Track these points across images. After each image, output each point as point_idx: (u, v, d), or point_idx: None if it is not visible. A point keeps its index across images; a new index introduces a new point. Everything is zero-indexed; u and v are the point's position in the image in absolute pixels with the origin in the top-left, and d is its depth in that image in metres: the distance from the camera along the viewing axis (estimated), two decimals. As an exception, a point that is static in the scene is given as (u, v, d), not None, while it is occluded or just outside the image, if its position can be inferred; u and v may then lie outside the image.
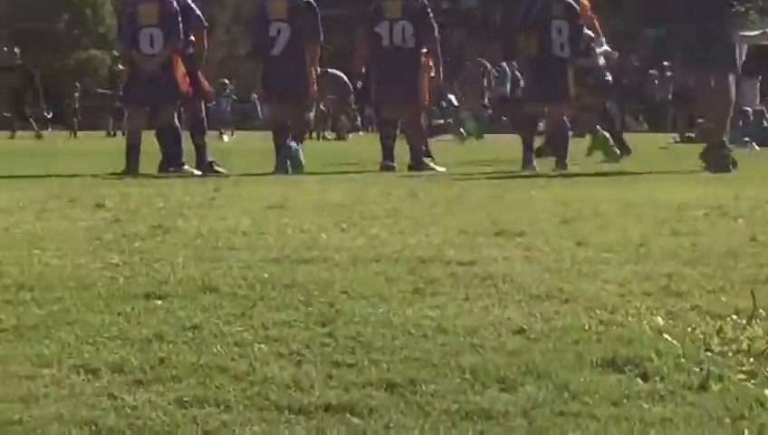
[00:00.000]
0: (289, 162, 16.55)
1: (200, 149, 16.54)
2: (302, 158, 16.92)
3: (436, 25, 18.35)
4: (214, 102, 28.91)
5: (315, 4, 17.66)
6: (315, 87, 17.89)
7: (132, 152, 16.36)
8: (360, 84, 22.18)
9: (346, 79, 38.43)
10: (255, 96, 36.02)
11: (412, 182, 13.97)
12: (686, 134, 39.05)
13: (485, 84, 42.77)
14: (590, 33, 19.83)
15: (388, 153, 17.75)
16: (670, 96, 45.92)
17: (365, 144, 31.77)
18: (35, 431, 3.93)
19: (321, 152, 18.90)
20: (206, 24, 17.61)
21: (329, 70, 34.90)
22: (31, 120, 44.63)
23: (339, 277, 6.27)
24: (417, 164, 17.71)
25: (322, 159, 18.62)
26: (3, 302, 5.61)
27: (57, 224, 8.71)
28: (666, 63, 49.11)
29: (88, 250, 7.23)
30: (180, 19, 16.20)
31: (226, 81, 54.74)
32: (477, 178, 15.13)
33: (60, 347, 4.90)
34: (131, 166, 16.19)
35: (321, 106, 18.83)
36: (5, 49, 44.54)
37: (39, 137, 39.10)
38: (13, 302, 5.63)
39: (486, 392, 4.37)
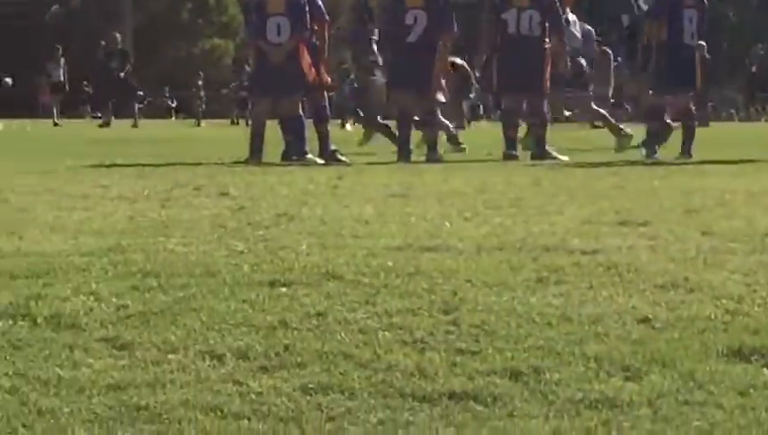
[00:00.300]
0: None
1: (323, 138, 16.51)
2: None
3: (562, 15, 18.22)
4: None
5: None
6: (442, 79, 17.77)
7: (256, 141, 16.39)
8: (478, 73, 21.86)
9: (468, 68, 38.13)
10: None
11: (535, 171, 13.92)
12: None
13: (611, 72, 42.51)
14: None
15: (510, 142, 17.66)
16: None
17: (485, 133, 31.71)
18: (162, 416, 3.97)
19: (443, 141, 18.81)
20: (327, 17, 17.56)
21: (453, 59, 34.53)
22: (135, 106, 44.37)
23: (462, 266, 6.26)
24: (539, 153, 17.64)
25: (444, 148, 18.55)
26: (129, 288, 5.67)
27: (182, 212, 8.76)
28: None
29: (213, 238, 7.28)
30: (307, 9, 16.18)
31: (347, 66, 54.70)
32: (599, 167, 15.03)
33: (186, 333, 4.95)
34: (255, 154, 16.23)
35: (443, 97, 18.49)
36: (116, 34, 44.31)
37: (107, 125, 38.68)
38: (139, 288, 5.68)
39: (611, 381, 4.36)
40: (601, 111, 20.98)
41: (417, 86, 17.31)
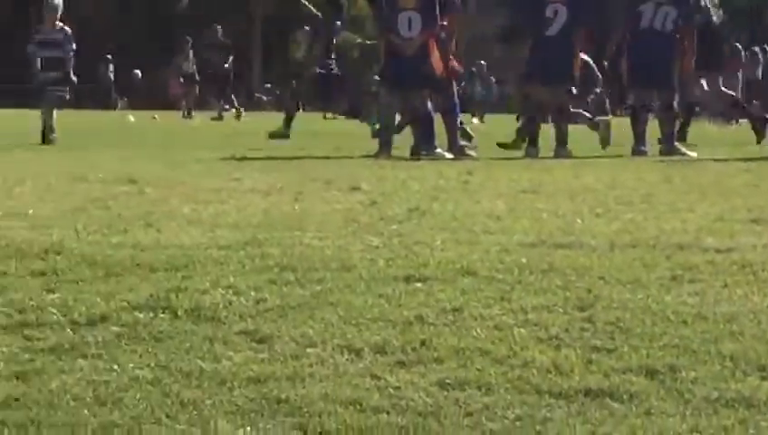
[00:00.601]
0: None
1: (451, 132, 16.44)
2: None
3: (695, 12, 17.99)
4: (463, 84, 28.76)
5: None
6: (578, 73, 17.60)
7: (385, 134, 16.39)
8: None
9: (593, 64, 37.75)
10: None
11: (665, 167, 13.83)
12: None
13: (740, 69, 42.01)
14: None
15: (640, 138, 17.48)
16: None
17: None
18: (302, 410, 4.01)
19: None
20: (460, 9, 17.52)
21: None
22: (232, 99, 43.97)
23: (596, 263, 6.25)
24: (668, 149, 17.45)
25: (571, 144, 18.37)
26: (267, 281, 5.71)
27: (315, 206, 8.79)
28: None
29: (347, 232, 7.30)
30: (437, 3, 16.12)
31: (483, 62, 54.71)
32: (731, 163, 14.88)
33: (323, 327, 4.98)
34: (384, 148, 16.22)
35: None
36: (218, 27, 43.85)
37: (220, 118, 38.33)
38: (276, 282, 5.72)
39: (747, 380, 4.34)
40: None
41: (555, 79, 17.22)
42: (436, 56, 16.01)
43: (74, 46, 21.41)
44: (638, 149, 17.07)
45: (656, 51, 17.38)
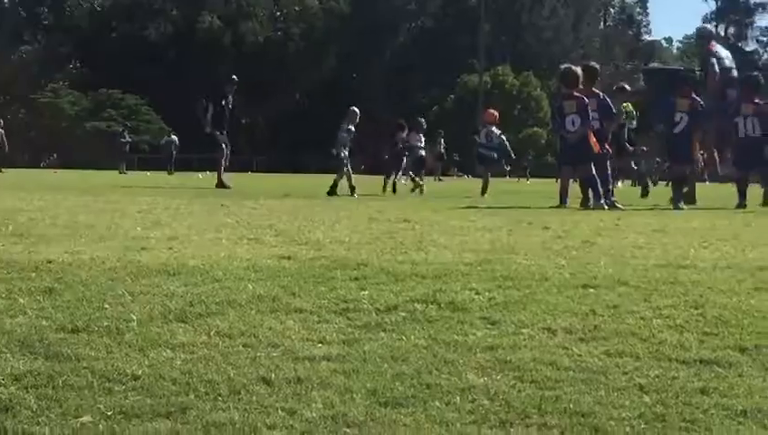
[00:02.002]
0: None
1: (606, 192, 16.11)
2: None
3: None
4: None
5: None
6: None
7: (563, 193, 16.32)
8: None
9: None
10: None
11: (744, 216, 13.52)
12: None
13: None
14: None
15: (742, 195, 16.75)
16: None
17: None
18: (519, 368, 4.04)
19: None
20: (615, 116, 17.22)
21: None
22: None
23: (705, 278, 6.14)
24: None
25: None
26: (495, 286, 5.72)
27: (522, 238, 8.78)
28: None
29: (544, 256, 7.28)
30: (589, 109, 15.90)
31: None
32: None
33: (531, 315, 4.98)
34: (563, 202, 16.20)
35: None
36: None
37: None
38: (501, 286, 5.72)
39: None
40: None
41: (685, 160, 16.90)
42: (592, 140, 15.77)
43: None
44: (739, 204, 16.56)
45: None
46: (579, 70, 16.32)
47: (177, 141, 56.25)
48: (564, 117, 15.93)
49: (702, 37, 20.13)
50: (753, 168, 17.49)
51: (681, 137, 16.48)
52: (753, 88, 17.48)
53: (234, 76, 25.17)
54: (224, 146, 24.48)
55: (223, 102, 24.40)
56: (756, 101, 17.16)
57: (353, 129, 21.39)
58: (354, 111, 21.60)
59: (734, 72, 18.60)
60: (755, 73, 19.01)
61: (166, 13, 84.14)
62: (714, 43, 18.78)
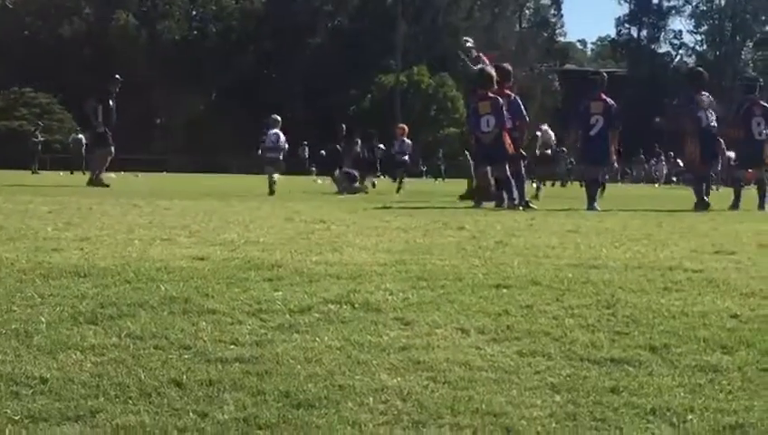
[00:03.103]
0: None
1: (520, 192, 16.08)
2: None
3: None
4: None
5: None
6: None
7: (480, 193, 16.37)
8: None
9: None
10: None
11: (658, 216, 13.69)
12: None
13: None
14: None
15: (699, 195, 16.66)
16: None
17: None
18: (432, 367, 4.05)
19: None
20: (527, 120, 17.19)
21: None
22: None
23: (616, 278, 6.20)
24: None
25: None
26: (410, 286, 5.71)
27: (437, 239, 8.79)
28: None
29: (458, 256, 7.29)
30: (504, 109, 15.91)
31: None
32: (701, 215, 14.70)
33: (445, 316, 4.99)
34: (479, 202, 16.29)
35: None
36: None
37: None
38: (415, 287, 5.72)
39: (714, 355, 4.33)
40: None
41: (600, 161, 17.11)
42: (507, 141, 15.81)
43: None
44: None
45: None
46: (493, 71, 16.40)
47: (84, 140, 55.47)
48: (479, 117, 15.97)
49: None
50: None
51: (597, 139, 16.65)
52: (701, 80, 17.52)
53: (117, 75, 25.03)
54: (112, 146, 24.39)
55: (110, 102, 24.28)
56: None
57: (278, 132, 22.93)
58: (276, 118, 23.27)
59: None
60: (699, 68, 18.95)
61: (80, 10, 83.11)
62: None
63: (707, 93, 17.04)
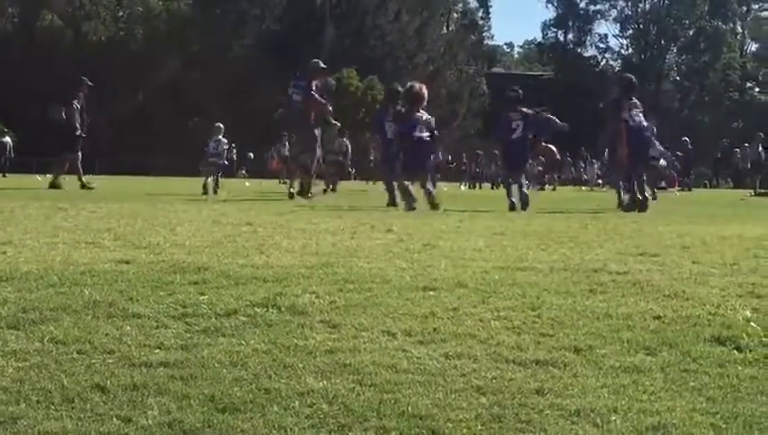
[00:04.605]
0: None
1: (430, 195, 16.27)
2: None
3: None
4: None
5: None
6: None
7: (401, 194, 16.52)
8: None
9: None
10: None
11: (582, 218, 13.82)
12: (759, 190, 37.94)
13: None
14: None
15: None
16: (749, 165, 44.64)
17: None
18: (358, 370, 4.04)
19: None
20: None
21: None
22: None
23: (542, 280, 6.26)
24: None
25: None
26: (336, 289, 5.72)
27: (365, 241, 8.79)
28: (746, 145, 47.83)
29: (386, 258, 7.30)
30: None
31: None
32: (625, 216, 14.87)
33: (372, 319, 4.99)
34: (390, 201, 16.84)
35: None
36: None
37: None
38: (342, 289, 5.73)
39: (637, 355, 4.37)
40: None
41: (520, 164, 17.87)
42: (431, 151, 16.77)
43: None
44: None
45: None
46: (423, 88, 16.87)
47: (11, 142, 54.74)
48: (414, 126, 16.23)
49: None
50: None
51: (517, 142, 17.46)
52: (632, 87, 18.06)
53: (84, 78, 25.04)
54: (80, 150, 24.29)
55: (80, 105, 24.28)
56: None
57: (223, 139, 24.60)
58: (219, 126, 24.81)
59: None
60: (629, 75, 19.52)
61: (4, 10, 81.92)
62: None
63: (635, 98, 17.60)
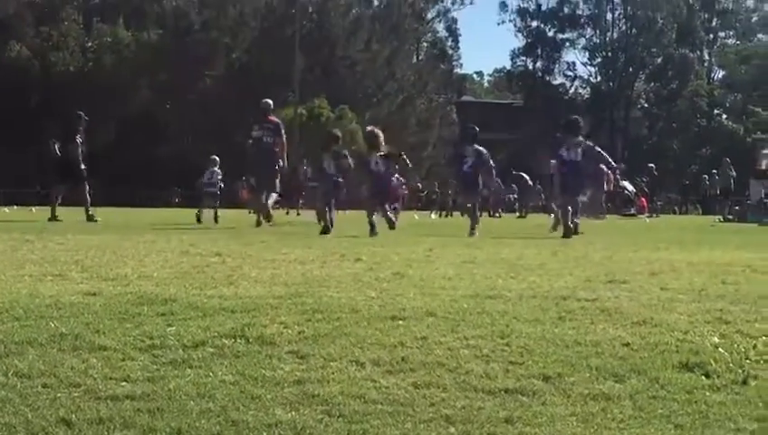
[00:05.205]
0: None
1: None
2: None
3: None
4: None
5: None
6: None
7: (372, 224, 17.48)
8: None
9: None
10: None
11: (553, 245, 13.85)
12: (727, 216, 38.18)
13: None
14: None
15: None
16: (717, 192, 44.89)
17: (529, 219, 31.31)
18: (326, 401, 4.03)
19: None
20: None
21: None
22: None
23: (511, 308, 6.27)
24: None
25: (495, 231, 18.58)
26: (305, 319, 5.70)
27: (334, 271, 8.77)
28: (714, 171, 48.09)
29: (354, 288, 7.28)
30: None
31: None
32: (594, 243, 14.92)
33: (341, 349, 4.98)
34: (372, 232, 16.96)
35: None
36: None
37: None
38: (311, 320, 5.71)
39: (606, 383, 4.38)
40: None
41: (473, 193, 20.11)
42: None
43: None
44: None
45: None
46: (379, 132, 19.08)
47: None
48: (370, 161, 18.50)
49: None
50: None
51: (468, 174, 19.61)
52: (577, 127, 19.55)
53: (80, 113, 25.16)
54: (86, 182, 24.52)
55: (82, 139, 24.53)
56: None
57: (217, 170, 26.64)
58: (214, 158, 27.02)
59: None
60: (575, 117, 20.94)
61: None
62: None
63: (581, 137, 19.28)
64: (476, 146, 19.59)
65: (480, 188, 20.58)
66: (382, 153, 18.45)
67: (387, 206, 19.06)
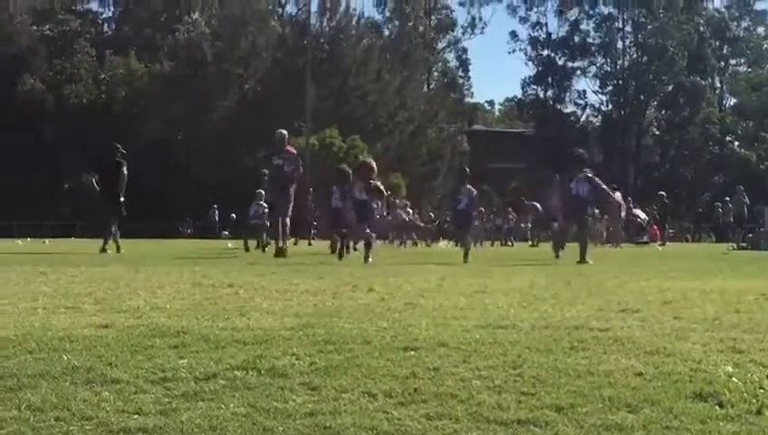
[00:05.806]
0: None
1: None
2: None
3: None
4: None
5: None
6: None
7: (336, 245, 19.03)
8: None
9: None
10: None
11: (566, 274, 13.83)
12: (741, 244, 38.07)
13: None
14: None
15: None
16: (731, 219, 44.80)
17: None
18: (339, 433, 4.01)
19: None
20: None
21: None
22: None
23: (523, 338, 6.25)
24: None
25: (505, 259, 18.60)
26: (317, 351, 5.70)
27: (346, 302, 8.77)
28: (727, 198, 47.99)
29: (366, 319, 7.27)
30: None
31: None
32: (607, 272, 14.89)
33: (353, 380, 4.96)
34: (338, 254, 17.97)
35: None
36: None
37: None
38: (323, 351, 5.71)
39: (619, 413, 4.35)
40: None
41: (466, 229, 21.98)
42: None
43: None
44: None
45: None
46: (374, 165, 20.13)
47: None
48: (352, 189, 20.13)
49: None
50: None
51: (462, 212, 21.46)
52: (582, 162, 21.17)
53: (117, 145, 25.96)
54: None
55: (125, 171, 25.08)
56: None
57: (263, 204, 27.94)
58: (260, 192, 28.66)
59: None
60: (580, 150, 23.10)
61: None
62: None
63: (588, 170, 20.62)
64: (469, 186, 21.40)
65: (473, 224, 22.82)
66: (370, 185, 19.41)
67: (366, 231, 19.56)
